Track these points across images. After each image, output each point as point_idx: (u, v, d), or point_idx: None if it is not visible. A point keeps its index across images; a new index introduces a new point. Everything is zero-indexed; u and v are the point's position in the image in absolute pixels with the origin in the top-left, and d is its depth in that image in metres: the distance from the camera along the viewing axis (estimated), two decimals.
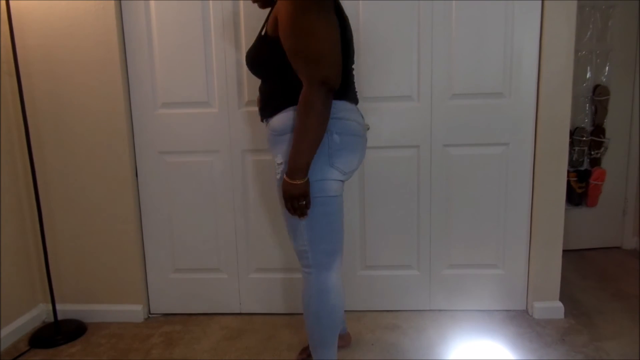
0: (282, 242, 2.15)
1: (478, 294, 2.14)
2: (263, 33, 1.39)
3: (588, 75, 2.76)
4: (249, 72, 2.00)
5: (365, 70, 1.99)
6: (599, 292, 2.33)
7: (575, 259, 2.75)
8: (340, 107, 1.37)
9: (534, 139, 2.01)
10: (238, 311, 2.22)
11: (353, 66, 1.49)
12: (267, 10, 1.62)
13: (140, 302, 2.18)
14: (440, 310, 2.16)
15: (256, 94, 2.02)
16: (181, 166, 2.12)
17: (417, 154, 2.05)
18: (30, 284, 2.16)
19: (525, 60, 1.96)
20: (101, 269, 2.16)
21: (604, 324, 2.01)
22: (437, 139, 2.03)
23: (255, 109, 2.03)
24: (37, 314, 2.17)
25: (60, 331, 2.03)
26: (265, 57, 1.39)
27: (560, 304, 2.08)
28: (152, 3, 2.00)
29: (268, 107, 1.45)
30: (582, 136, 2.76)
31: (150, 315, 2.23)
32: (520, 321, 2.05)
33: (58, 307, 2.12)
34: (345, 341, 1.86)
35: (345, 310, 2.00)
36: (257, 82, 2.00)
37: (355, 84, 1.54)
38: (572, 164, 2.80)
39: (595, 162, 2.82)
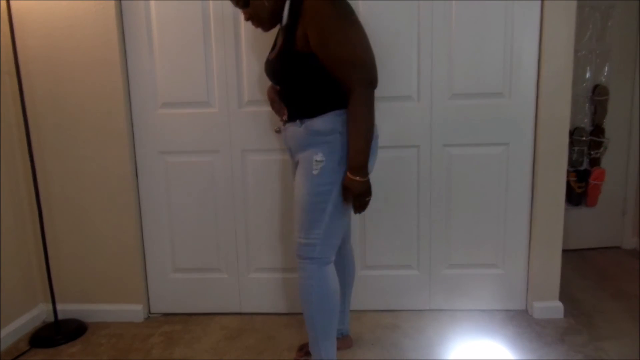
0: (282, 241, 2.15)
1: (478, 293, 2.14)
2: (293, 49, 1.43)
3: (588, 75, 2.76)
4: (249, 72, 2.03)
5: None
6: (598, 291, 2.33)
7: (575, 259, 2.75)
8: None
9: (534, 139, 2.01)
10: (238, 311, 2.22)
11: None
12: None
13: (140, 302, 2.19)
14: (440, 310, 2.16)
15: (256, 94, 2.03)
16: (181, 166, 2.12)
17: (417, 153, 2.05)
18: (31, 283, 2.16)
19: (525, 60, 1.96)
20: (101, 269, 2.16)
21: (603, 323, 2.01)
22: (437, 138, 2.03)
23: (256, 108, 2.04)
24: (37, 313, 2.17)
25: (60, 331, 2.04)
26: (296, 70, 1.46)
27: (560, 304, 2.08)
28: (152, 3, 2.00)
29: (303, 110, 1.49)
30: (582, 136, 2.76)
31: (150, 315, 2.24)
32: (520, 321, 2.05)
33: (58, 306, 2.12)
34: (346, 344, 1.87)
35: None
36: (258, 82, 2.02)
37: None
38: (572, 163, 2.80)
39: (595, 162, 2.82)
